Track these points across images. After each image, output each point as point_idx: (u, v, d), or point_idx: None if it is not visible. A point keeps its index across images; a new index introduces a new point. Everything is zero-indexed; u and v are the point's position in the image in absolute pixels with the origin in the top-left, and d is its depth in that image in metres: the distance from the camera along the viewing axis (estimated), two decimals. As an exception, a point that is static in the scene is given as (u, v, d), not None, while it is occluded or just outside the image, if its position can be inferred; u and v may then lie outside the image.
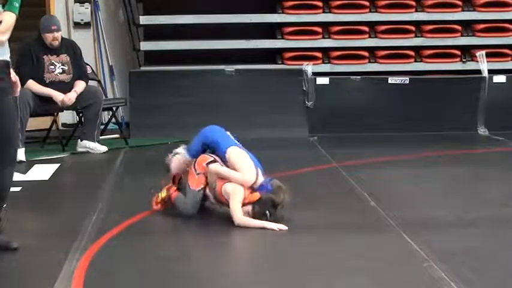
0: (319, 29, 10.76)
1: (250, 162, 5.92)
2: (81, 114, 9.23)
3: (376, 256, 5.14)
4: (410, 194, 6.96)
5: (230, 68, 10.29)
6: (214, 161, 5.97)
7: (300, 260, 5.11)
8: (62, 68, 8.83)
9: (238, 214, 5.69)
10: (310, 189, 6.42)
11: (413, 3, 10.84)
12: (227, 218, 5.90)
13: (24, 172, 7.84)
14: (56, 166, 8.14)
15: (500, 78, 10.38)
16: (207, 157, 6.00)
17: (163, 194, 6.12)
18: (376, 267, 4.90)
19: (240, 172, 5.83)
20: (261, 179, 5.90)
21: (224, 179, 5.84)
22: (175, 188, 6.13)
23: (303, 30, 10.75)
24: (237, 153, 5.95)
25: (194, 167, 5.97)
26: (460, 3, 10.86)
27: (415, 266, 4.92)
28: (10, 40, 5.15)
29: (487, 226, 5.87)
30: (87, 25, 10.83)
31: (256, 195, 5.75)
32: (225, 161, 5.94)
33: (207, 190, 5.94)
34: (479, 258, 5.08)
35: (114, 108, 9.72)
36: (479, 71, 10.33)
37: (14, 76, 5.21)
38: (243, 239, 5.54)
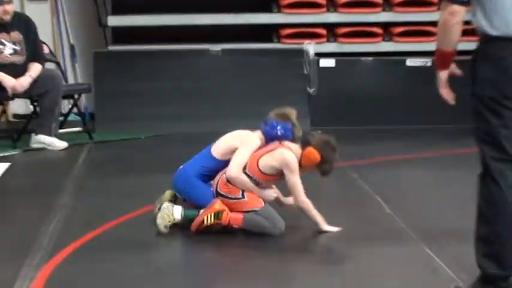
0: (323, 1, 10.71)
1: None
2: (36, 103, 9.22)
3: (394, 274, 5.17)
4: (431, 199, 6.96)
5: (216, 47, 10.26)
6: None
7: (303, 278, 5.11)
8: (14, 48, 8.84)
9: (302, 191, 5.83)
10: (315, 194, 6.33)
11: (435, -30, 10.81)
12: (203, 231, 5.85)
13: (-33, 173, 7.85)
14: (5, 166, 8.13)
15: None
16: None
17: (209, 220, 5.92)
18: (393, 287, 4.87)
19: None
20: None
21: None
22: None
23: (304, 2, 10.70)
24: None
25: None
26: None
27: (439, 287, 4.89)
28: None
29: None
30: (43, -4, 10.83)
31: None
32: None
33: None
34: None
35: (75, 96, 9.70)
36: None
37: None
38: (225, 253, 5.57)
